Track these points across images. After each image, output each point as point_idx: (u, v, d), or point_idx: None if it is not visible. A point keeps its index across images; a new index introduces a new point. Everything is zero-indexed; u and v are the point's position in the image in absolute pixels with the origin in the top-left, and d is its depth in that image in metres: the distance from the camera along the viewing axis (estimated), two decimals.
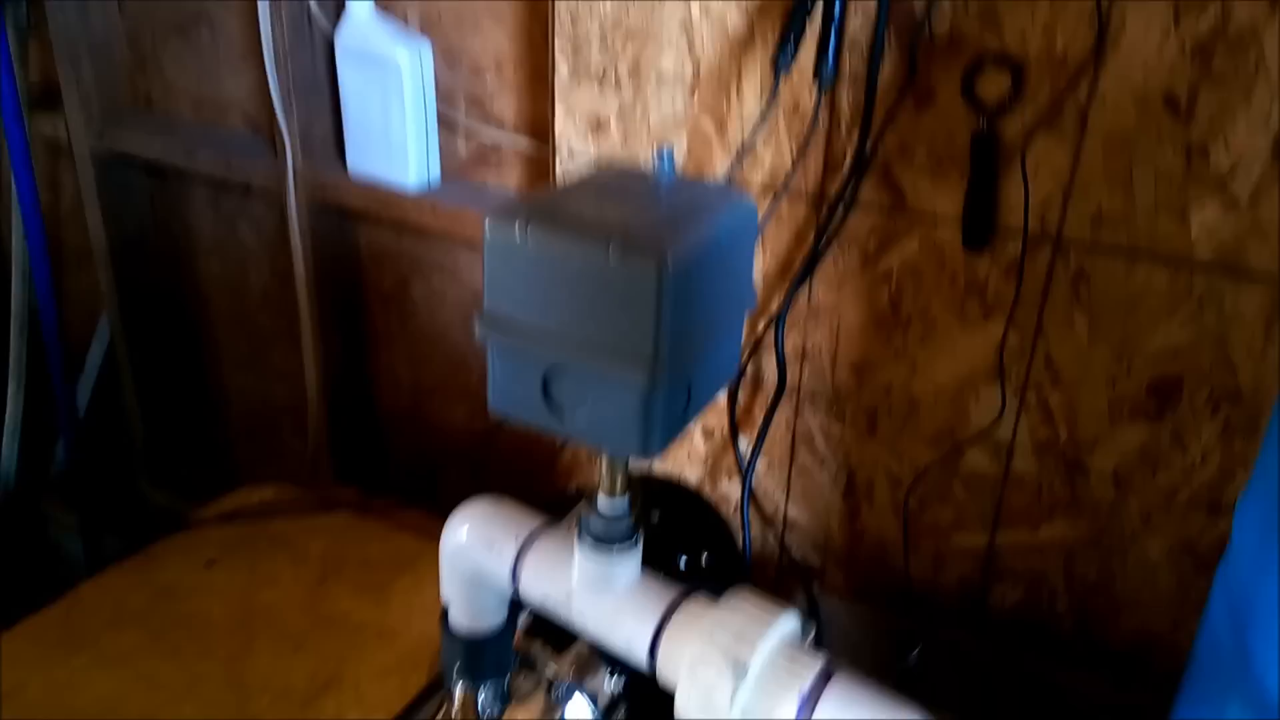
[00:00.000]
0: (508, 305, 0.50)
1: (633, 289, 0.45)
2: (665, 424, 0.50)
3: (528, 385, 0.51)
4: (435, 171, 1.13)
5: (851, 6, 0.82)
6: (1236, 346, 0.77)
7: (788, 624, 0.55)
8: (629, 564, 0.59)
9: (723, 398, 1.01)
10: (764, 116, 0.88)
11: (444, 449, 1.28)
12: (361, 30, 1.07)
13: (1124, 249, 0.79)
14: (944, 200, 0.84)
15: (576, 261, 0.46)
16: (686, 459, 1.06)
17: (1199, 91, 0.73)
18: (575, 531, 0.59)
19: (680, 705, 0.54)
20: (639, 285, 0.45)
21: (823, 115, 0.87)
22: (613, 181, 0.52)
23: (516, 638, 0.72)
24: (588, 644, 0.74)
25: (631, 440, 0.50)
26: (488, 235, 0.49)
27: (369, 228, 1.22)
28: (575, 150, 0.99)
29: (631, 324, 0.46)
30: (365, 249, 1.24)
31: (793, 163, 0.89)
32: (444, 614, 0.67)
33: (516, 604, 0.66)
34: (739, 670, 0.52)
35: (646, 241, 0.46)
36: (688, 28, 0.89)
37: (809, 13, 0.83)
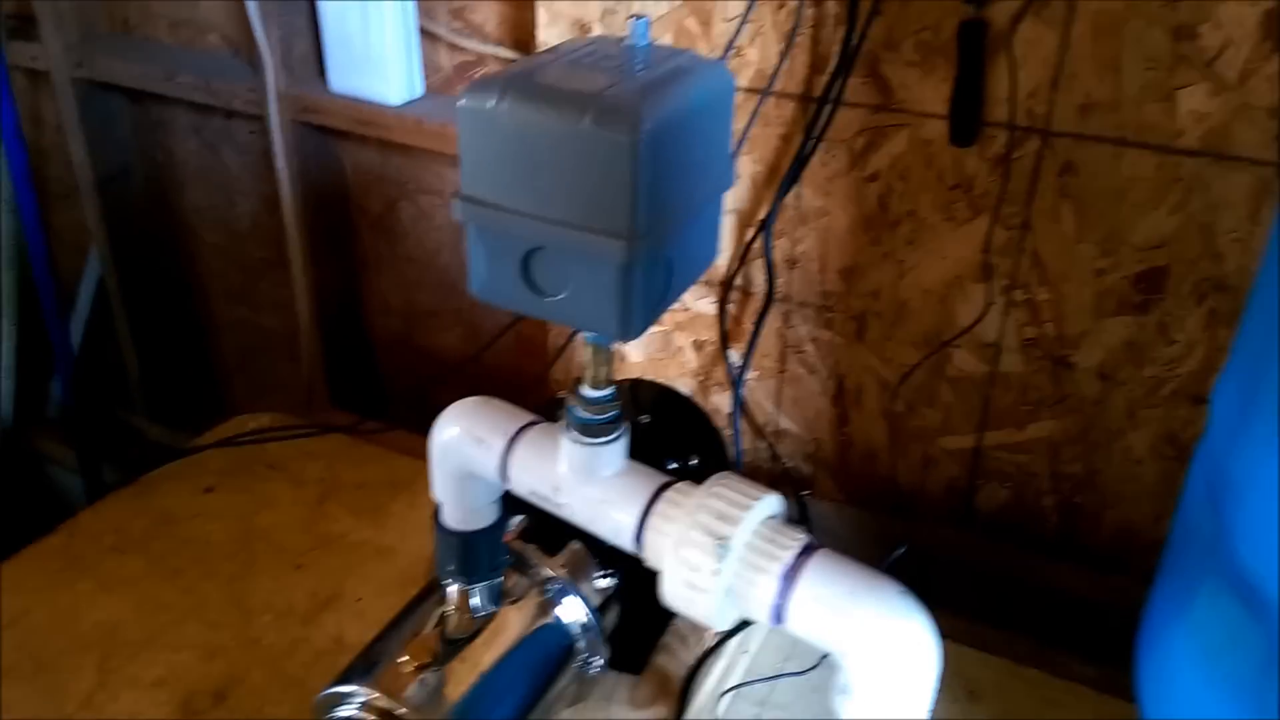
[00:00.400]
0: (485, 184, 0.49)
1: (608, 157, 0.45)
2: (645, 303, 0.50)
3: (508, 268, 0.51)
4: (419, 86, 1.11)
5: None
6: (1223, 234, 0.77)
7: (770, 504, 0.55)
8: (615, 452, 0.59)
9: (713, 309, 1.01)
10: (748, 12, 0.86)
11: (437, 372, 1.28)
12: None
13: (1111, 138, 0.78)
14: (931, 95, 0.83)
15: (551, 131, 0.46)
16: (678, 371, 1.06)
17: None
18: (562, 423, 0.59)
19: (666, 585, 0.55)
20: (614, 153, 0.45)
21: (808, 9, 0.85)
22: (586, 52, 0.51)
23: (510, 540, 0.73)
24: (580, 545, 0.75)
25: (612, 321, 0.50)
26: (462, 110, 0.48)
27: (354, 148, 1.21)
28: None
29: (608, 195, 0.46)
30: (351, 171, 1.22)
31: (778, 61, 0.87)
32: (436, 513, 0.68)
33: (507, 501, 0.67)
34: (722, 548, 0.53)
35: (621, 109, 0.45)
36: None
37: None
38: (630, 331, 0.51)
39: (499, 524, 0.68)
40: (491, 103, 0.47)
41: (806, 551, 0.53)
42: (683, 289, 0.54)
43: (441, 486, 0.66)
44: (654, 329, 1.05)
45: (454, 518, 0.67)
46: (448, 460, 0.64)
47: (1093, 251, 0.83)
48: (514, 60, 1.05)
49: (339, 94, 1.13)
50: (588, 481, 0.59)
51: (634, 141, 0.44)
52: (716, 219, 0.55)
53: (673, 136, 0.46)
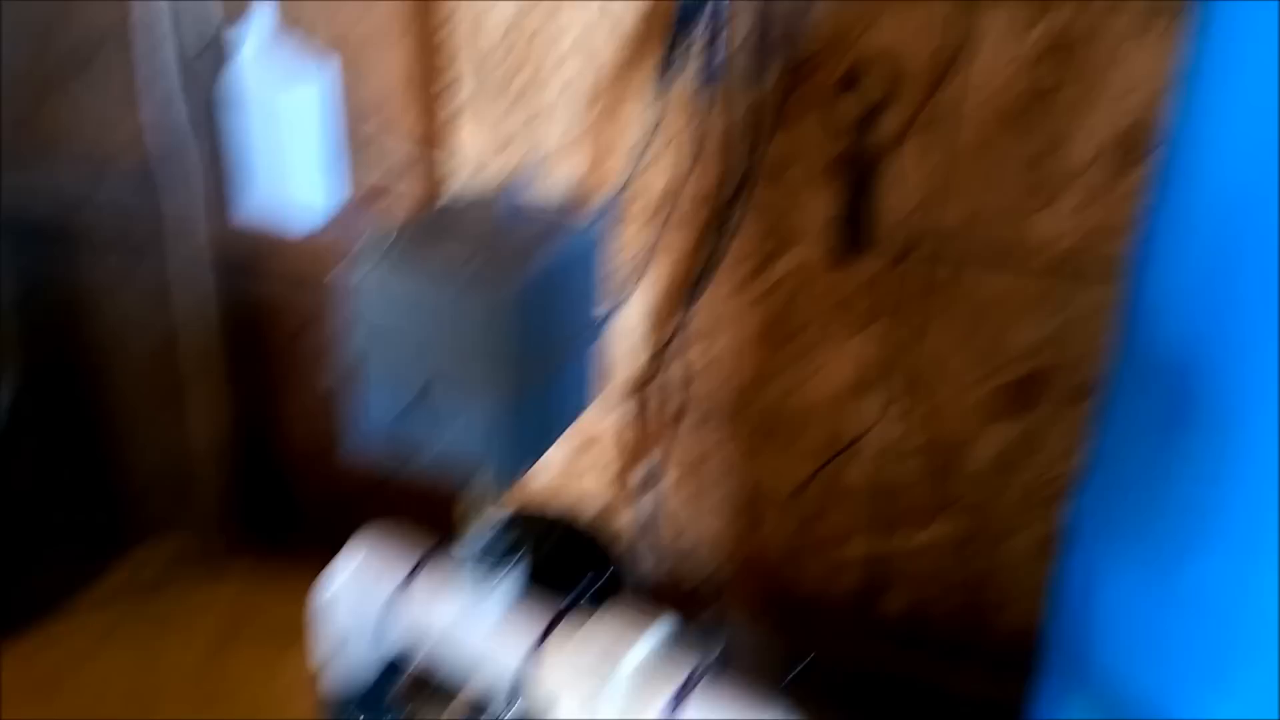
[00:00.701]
0: (368, 342, 0.52)
1: (479, 323, 0.48)
2: (523, 447, 0.52)
3: (391, 417, 0.53)
4: (333, 205, 1.13)
5: (731, 22, 0.85)
6: (1091, 339, 0.82)
7: (658, 633, 0.56)
8: (505, 588, 0.60)
9: (626, 418, 1.03)
10: (651, 135, 0.90)
11: (353, 493, 1.26)
12: (253, 69, 1.06)
13: (987, 251, 0.84)
14: (822, 212, 0.88)
15: (426, 301, 0.49)
16: (592, 483, 1.07)
17: (1052, 92, 0.78)
18: (451, 562, 0.60)
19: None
20: (485, 320, 0.48)
21: (706, 132, 0.90)
22: (464, 213, 0.54)
23: (397, 694, 0.71)
24: (468, 697, 0.74)
25: (492, 464, 0.52)
26: (347, 279, 0.51)
27: (266, 272, 1.22)
28: (474, 174, 1.01)
29: (483, 351, 0.49)
30: (263, 295, 1.23)
31: (680, 181, 0.92)
32: (319, 673, 0.67)
33: (393, 657, 0.66)
34: (607, 683, 0.54)
35: (490, 279, 0.48)
36: (586, 45, 0.92)
37: (690, 34, 0.86)
38: (511, 473, 0.53)
39: (385, 679, 0.67)
40: (373, 271, 0.50)
41: (692, 679, 0.54)
42: (562, 430, 0.56)
43: (327, 645, 0.66)
44: (567, 441, 1.05)
45: (340, 676, 0.66)
46: (333, 618, 0.64)
47: (975, 359, 0.87)
48: (432, 169, 1.08)
49: (251, 220, 1.14)
50: (477, 620, 0.60)
51: (503, 306, 0.47)
52: (589, 367, 0.57)
53: (541, 296, 0.49)
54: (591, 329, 0.55)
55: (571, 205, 0.56)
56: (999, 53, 0.79)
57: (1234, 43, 0.53)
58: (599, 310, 0.55)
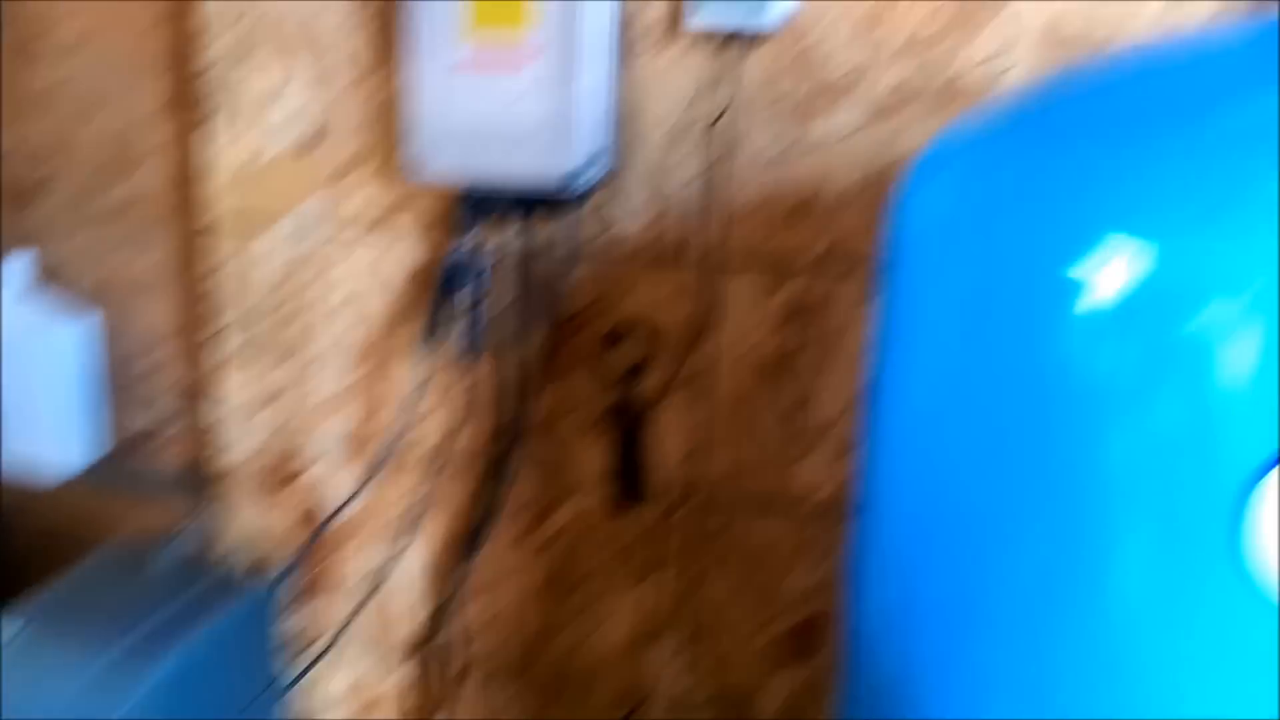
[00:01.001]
0: None
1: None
2: None
3: None
4: (93, 453, 1.06)
5: (494, 284, 0.86)
6: None
7: None
8: None
9: (407, 680, 0.97)
10: (422, 389, 0.89)
11: None
12: (10, 314, 1.01)
13: (755, 500, 0.85)
14: (597, 462, 0.88)
15: (52, 695, 0.43)
16: None
17: (797, 352, 0.81)
18: None
19: None
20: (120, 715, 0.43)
21: (477, 386, 0.89)
22: (112, 578, 0.50)
23: None
24: None
25: None
26: None
27: (18, 527, 1.12)
28: (241, 424, 0.96)
29: None
30: (17, 549, 1.12)
31: (453, 434, 0.90)
32: None
33: None
34: None
35: (126, 665, 0.43)
36: (356, 301, 0.91)
37: (456, 294, 0.86)
38: None
39: None
40: None
41: None
42: None
43: None
44: (347, 706, 0.97)
45: None
46: None
47: (754, 606, 0.87)
48: (196, 420, 1.02)
49: (3, 471, 1.05)
50: None
51: (138, 700, 0.42)
52: None
53: (194, 676, 0.45)
54: (270, 694, 0.51)
55: (244, 563, 0.52)
56: (746, 317, 0.82)
57: (903, 325, 0.54)
58: (279, 673, 0.51)
